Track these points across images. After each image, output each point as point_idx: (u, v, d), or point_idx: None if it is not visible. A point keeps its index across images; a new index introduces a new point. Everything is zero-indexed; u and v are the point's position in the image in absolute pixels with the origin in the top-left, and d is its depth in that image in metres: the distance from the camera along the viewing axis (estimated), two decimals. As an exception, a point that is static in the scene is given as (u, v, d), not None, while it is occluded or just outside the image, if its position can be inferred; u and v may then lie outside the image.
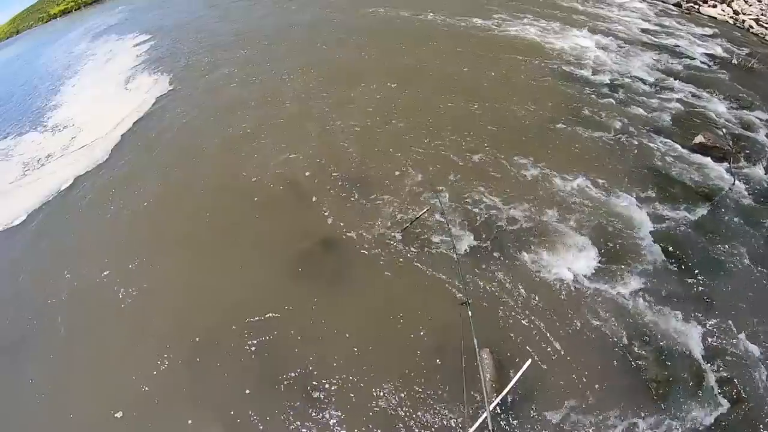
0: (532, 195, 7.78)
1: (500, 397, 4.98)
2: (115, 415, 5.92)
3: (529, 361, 5.14)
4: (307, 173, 8.98)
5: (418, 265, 6.80)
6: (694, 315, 6.21)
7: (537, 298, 6.24)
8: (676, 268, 6.75)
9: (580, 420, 5.10)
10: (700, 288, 6.55)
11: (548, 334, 5.79)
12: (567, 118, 9.54)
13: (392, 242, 7.19)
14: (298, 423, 5.38)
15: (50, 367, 6.79)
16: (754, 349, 5.80)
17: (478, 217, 7.43)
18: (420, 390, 5.43)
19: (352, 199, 8.17)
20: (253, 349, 6.24)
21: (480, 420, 4.81)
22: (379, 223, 7.57)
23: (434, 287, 6.50)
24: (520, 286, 6.40)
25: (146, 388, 6.13)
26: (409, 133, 9.50)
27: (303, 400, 5.56)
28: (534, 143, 8.86)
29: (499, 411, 5.11)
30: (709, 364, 5.74)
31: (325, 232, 7.56)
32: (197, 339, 6.55)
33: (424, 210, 7.39)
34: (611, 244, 6.94)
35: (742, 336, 5.95)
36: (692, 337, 5.98)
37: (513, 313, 6.08)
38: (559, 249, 6.86)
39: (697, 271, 6.74)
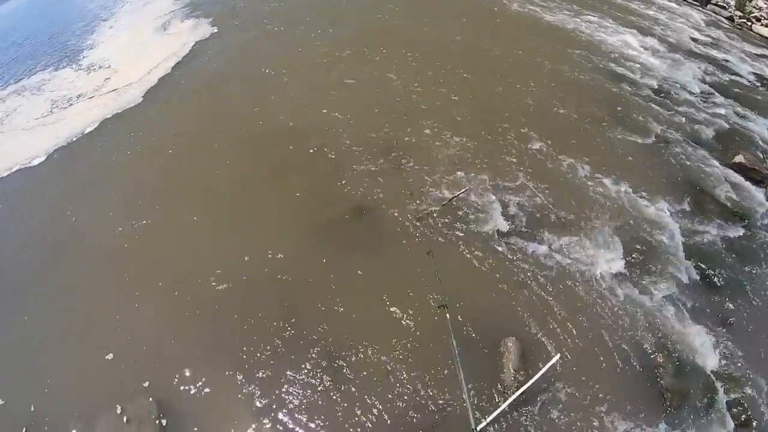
0: (568, 188, 7.61)
1: (525, 387, 4.96)
2: (106, 357, 6.00)
3: (558, 355, 5.10)
4: (346, 143, 8.64)
5: (452, 246, 6.68)
6: (714, 332, 6.16)
7: (565, 292, 6.15)
8: (702, 283, 6.66)
9: (595, 419, 5.10)
10: (724, 307, 6.48)
11: (574, 330, 5.72)
12: (610, 117, 9.25)
13: (428, 218, 7.03)
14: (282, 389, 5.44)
15: (52, 309, 6.77)
16: (765, 375, 5.79)
17: (512, 203, 7.28)
18: (437, 373, 5.42)
19: (389, 167, 7.95)
20: (261, 306, 6.18)
21: (493, 415, 4.82)
22: (415, 196, 7.38)
23: (471, 272, 6.38)
24: (550, 278, 6.29)
25: (142, 333, 6.16)
26: (453, 110, 9.19)
27: (305, 366, 5.57)
28: (576, 137, 8.61)
29: (516, 403, 5.11)
30: (722, 384, 5.72)
31: (357, 200, 7.37)
32: (204, 290, 6.49)
33: (462, 190, 7.23)
34: (641, 249, 6.83)
35: (757, 361, 5.93)
36: (710, 354, 5.95)
37: (541, 304, 5.99)
38: (590, 245, 6.75)
39: (722, 290, 6.65)
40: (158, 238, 7.45)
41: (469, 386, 5.17)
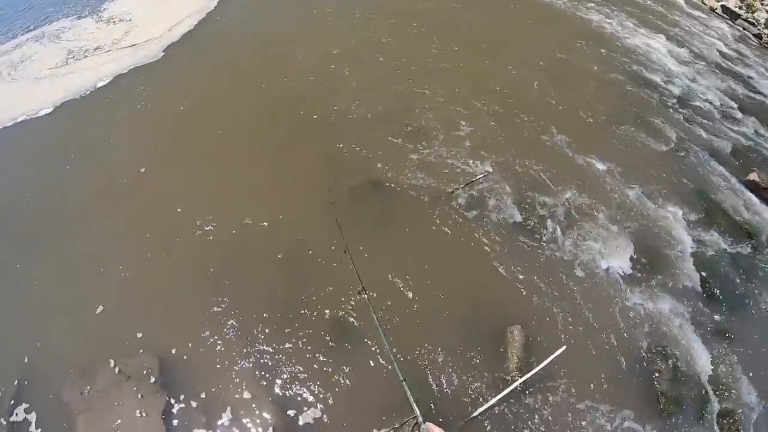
0: (584, 184, 7.58)
1: (527, 376, 4.99)
2: (96, 311, 6.03)
3: (564, 347, 5.10)
4: (367, 116, 8.50)
5: (466, 229, 6.65)
6: (713, 343, 6.20)
7: (572, 287, 6.15)
8: (705, 294, 6.67)
9: (588, 415, 5.15)
10: (724, 320, 6.50)
11: (578, 326, 5.75)
12: (631, 119, 9.18)
13: (444, 200, 6.99)
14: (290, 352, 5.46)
15: (54, 262, 6.73)
16: (757, 392, 5.86)
17: (527, 194, 7.25)
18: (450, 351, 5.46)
19: (407, 145, 7.86)
20: (264, 268, 6.16)
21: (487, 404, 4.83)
22: (432, 175, 7.33)
23: (476, 255, 6.36)
24: (559, 271, 6.30)
25: (138, 287, 6.19)
26: (475, 95, 9.05)
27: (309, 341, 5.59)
28: (596, 135, 8.56)
29: (510, 394, 5.13)
30: (715, 393, 5.78)
31: (374, 175, 7.31)
32: (206, 249, 6.46)
33: (480, 176, 7.18)
34: (650, 253, 6.85)
35: (751, 377, 5.98)
36: (707, 364, 6.00)
37: (548, 297, 6.00)
38: (601, 244, 6.75)
39: (724, 303, 6.67)
40: (159, 194, 7.39)
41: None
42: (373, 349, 5.33)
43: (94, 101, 9.60)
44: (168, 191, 7.38)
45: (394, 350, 4.35)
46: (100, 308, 6.03)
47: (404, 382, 3.88)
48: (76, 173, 7.94)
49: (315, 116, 8.47)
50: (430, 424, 2.48)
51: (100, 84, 10.06)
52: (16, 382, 5.66)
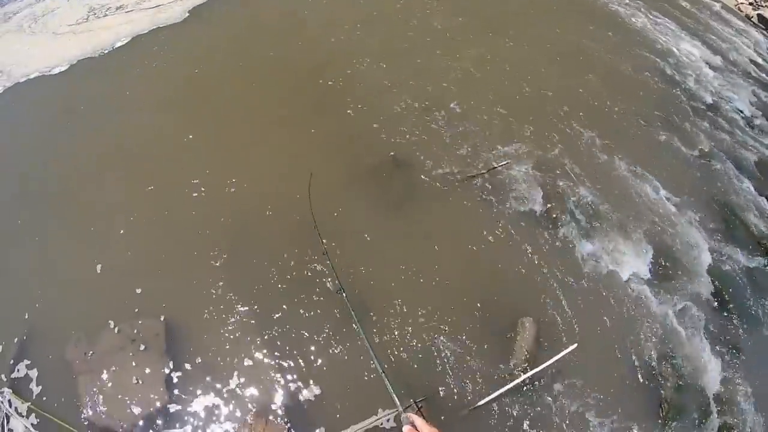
0: (608, 182, 7.42)
1: (536, 370, 4.93)
2: (103, 271, 5.99)
3: (576, 345, 5.03)
4: (392, 90, 8.27)
5: (483, 216, 6.51)
6: (720, 357, 6.09)
7: (587, 284, 6.06)
8: (718, 306, 6.55)
9: (586, 417, 5.08)
10: (735, 333, 6.39)
11: (588, 323, 5.67)
12: (660, 120, 8.93)
13: (463, 184, 6.84)
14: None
15: (60, 220, 6.72)
16: (762, 411, 5.78)
17: (551, 186, 7.08)
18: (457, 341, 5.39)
19: (429, 124, 7.66)
20: (273, 234, 6.14)
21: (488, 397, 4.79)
22: (455, 157, 7.15)
23: (491, 243, 6.23)
24: (575, 267, 6.20)
25: (142, 247, 6.17)
26: (505, 79, 8.83)
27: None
28: (623, 133, 8.33)
29: (514, 387, 5.10)
30: (717, 407, 5.70)
31: (390, 152, 7.16)
32: (214, 211, 6.41)
33: (504, 162, 6.99)
34: (667, 258, 6.71)
35: (756, 393, 5.89)
36: (712, 375, 5.90)
37: (561, 291, 5.91)
38: (621, 243, 6.63)
39: (736, 318, 6.55)
40: (169, 155, 7.32)
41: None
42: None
43: (110, 61, 9.43)
44: (177, 153, 7.31)
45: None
46: (108, 268, 6.02)
47: (384, 374, 3.81)
48: (85, 133, 7.84)
49: (339, 85, 8.32)
50: (411, 415, 2.40)
51: (118, 44, 9.89)
52: (17, 340, 5.67)
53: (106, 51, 9.68)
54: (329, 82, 8.38)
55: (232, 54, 9.25)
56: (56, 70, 9.27)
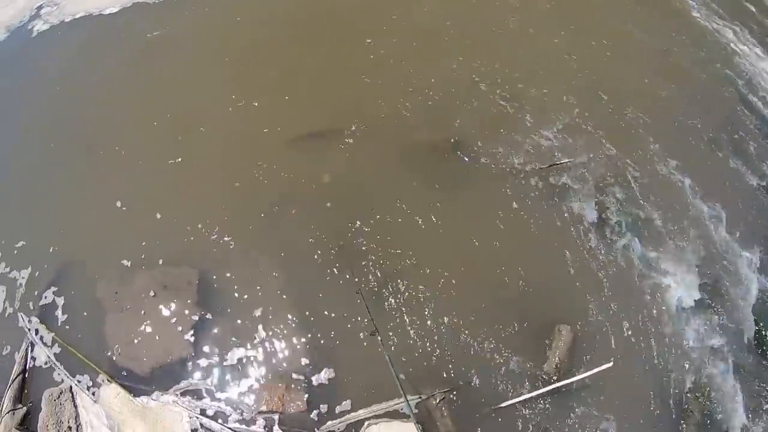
0: (669, 198, 7.01)
1: (566, 381, 4.83)
2: (154, 215, 5.99)
3: (611, 363, 4.84)
4: (458, 72, 7.77)
5: (536, 212, 6.22)
6: (752, 398, 5.83)
7: (631, 301, 5.79)
8: (757, 347, 6.25)
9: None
10: (768, 379, 6.13)
11: (626, 340, 5.47)
12: (730, 142, 8.30)
13: (521, 177, 6.52)
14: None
15: (106, 160, 6.78)
16: None
17: (609, 193, 6.71)
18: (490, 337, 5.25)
19: (495, 110, 7.25)
20: (318, 206, 5.98)
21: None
22: (514, 149, 6.78)
23: (540, 241, 5.97)
24: (622, 281, 5.93)
25: (187, 194, 6.14)
26: (573, 74, 8.22)
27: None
28: (691, 149, 7.79)
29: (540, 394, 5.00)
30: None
31: (452, 133, 6.81)
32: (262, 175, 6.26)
33: (567, 160, 6.63)
34: (715, 288, 6.38)
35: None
36: (740, 418, 5.68)
37: (603, 305, 5.68)
38: (671, 264, 6.31)
39: (774, 361, 6.28)
40: (213, 97, 7.24)
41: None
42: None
43: (162, 4, 9.06)
44: (223, 95, 7.16)
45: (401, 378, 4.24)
46: (158, 214, 5.98)
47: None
48: (134, 74, 7.79)
49: (401, 61, 7.83)
50: None
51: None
52: (49, 271, 5.69)
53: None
54: (398, 59, 7.85)
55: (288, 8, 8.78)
56: (108, 11, 9.04)
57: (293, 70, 7.59)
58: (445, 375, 4.91)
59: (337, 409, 4.67)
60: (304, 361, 4.85)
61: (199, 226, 5.77)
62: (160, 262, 5.50)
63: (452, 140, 6.68)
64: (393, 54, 7.83)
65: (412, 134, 6.73)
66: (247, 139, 6.66)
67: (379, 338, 4.23)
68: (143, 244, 5.77)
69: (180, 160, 6.52)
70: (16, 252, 5.94)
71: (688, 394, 5.53)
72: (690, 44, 10.00)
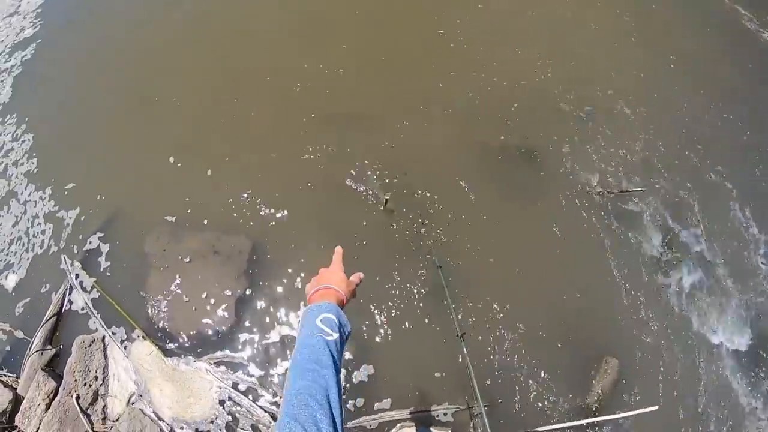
0: (732, 245, 6.58)
1: (607, 417, 4.56)
2: (206, 173, 5.92)
3: (656, 407, 4.58)
4: (534, 75, 7.46)
5: (595, 239, 5.92)
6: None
7: (682, 346, 5.51)
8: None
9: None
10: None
11: (676, 388, 5.20)
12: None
13: (584, 198, 6.22)
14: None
15: (161, 114, 6.71)
16: None
17: (674, 232, 6.37)
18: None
19: (569, 121, 6.92)
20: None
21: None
22: (582, 166, 6.48)
23: (595, 269, 5.69)
24: (677, 324, 5.67)
25: (247, 157, 6.00)
26: (663, 97, 7.68)
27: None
28: (761, 195, 7.13)
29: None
30: None
31: (517, 140, 6.53)
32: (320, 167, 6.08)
33: (637, 189, 6.34)
34: (764, 346, 6.06)
35: None
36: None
37: (655, 345, 5.42)
38: (726, 313, 5.97)
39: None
40: (276, 50, 7.17)
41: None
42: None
43: None
44: (290, 59, 7.01)
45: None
46: (209, 171, 5.81)
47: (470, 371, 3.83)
48: (184, 22, 7.81)
49: (485, 62, 7.54)
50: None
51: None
52: (97, 213, 5.60)
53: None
54: (467, 54, 7.58)
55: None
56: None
57: (367, 48, 7.41)
58: (484, 389, 4.73)
59: (376, 406, 4.48)
60: (347, 355, 4.67)
61: (257, 197, 5.65)
62: (212, 226, 5.37)
63: (511, 145, 6.48)
64: (477, 52, 7.63)
65: (485, 135, 6.56)
66: (314, 111, 6.54)
67: (463, 343, 4.01)
68: (195, 204, 5.68)
69: (235, 116, 6.47)
70: (66, 193, 5.92)
71: (729, 451, 5.25)
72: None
